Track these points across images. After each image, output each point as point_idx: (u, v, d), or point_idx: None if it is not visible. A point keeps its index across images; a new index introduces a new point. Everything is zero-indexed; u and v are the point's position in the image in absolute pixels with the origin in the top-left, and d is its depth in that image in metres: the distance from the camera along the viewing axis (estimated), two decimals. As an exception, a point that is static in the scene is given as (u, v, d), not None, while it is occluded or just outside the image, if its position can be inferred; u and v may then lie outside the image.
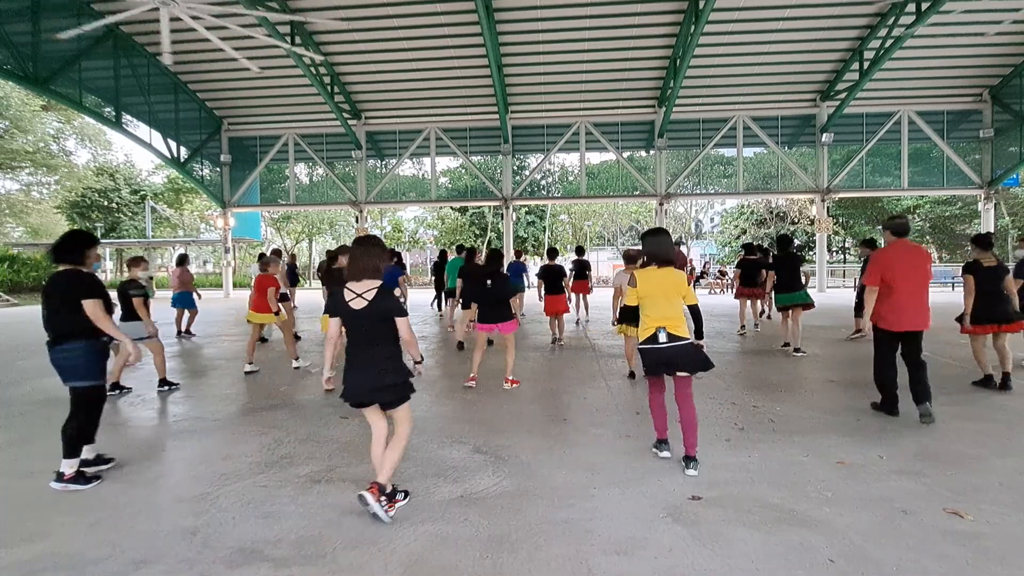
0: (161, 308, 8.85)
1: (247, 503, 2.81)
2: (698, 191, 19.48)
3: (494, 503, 2.78)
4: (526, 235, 36.55)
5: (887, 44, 13.88)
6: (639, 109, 17.98)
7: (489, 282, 5.38)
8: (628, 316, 4.71)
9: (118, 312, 4.64)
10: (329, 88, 16.25)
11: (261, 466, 3.32)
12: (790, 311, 7.17)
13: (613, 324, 5.86)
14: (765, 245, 9.37)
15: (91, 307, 3.13)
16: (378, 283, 2.76)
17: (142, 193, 36.68)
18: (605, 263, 39.92)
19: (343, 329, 2.86)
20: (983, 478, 3.01)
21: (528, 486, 2.98)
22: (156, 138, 17.02)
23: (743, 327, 8.85)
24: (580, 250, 10.38)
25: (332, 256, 5.90)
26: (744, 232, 33.68)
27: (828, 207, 18.38)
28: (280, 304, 6.60)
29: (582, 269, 10.15)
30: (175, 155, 17.82)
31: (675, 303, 3.26)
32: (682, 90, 15.74)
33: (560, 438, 3.79)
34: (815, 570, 2.17)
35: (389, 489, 2.69)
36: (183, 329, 9.57)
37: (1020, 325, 5.08)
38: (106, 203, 35.97)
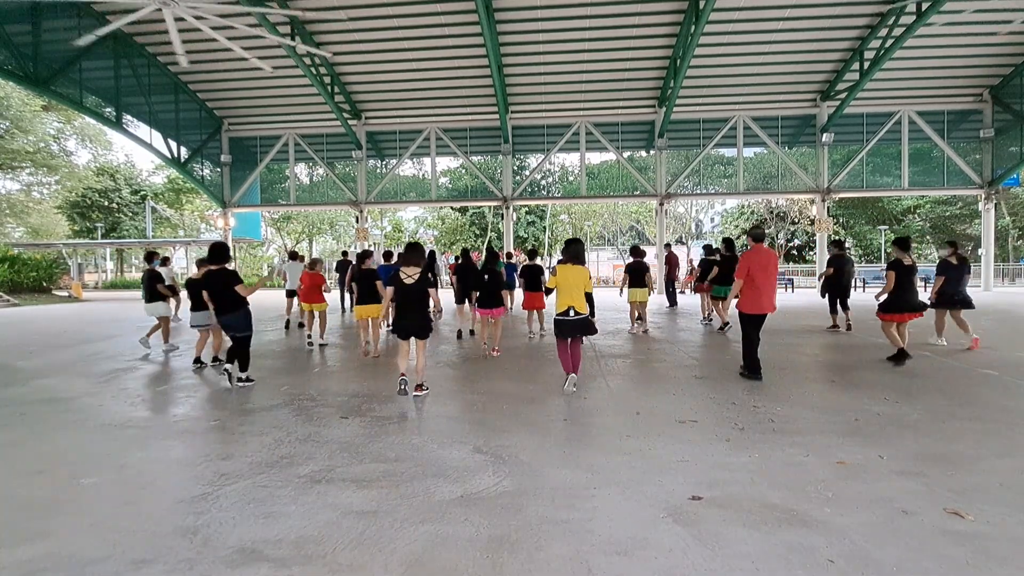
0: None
1: (247, 503, 2.81)
2: (698, 191, 19.48)
3: (494, 503, 2.78)
4: (526, 235, 36.54)
5: (887, 44, 13.89)
6: (639, 109, 17.98)
7: (486, 276, 7.01)
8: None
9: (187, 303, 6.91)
10: (329, 88, 16.26)
11: (261, 466, 3.32)
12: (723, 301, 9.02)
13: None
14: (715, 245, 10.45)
15: (241, 289, 5.42)
16: (419, 269, 4.82)
17: (142, 193, 36.73)
18: (605, 263, 39.88)
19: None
20: (983, 478, 3.01)
21: (528, 486, 2.98)
22: (156, 138, 17.04)
23: (725, 322, 9.00)
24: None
25: (360, 258, 7.50)
26: (744, 232, 33.73)
27: (828, 207, 18.38)
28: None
29: None
30: (175, 155, 17.84)
31: (580, 290, 4.85)
32: (682, 90, 15.74)
33: (560, 438, 3.79)
34: (815, 570, 2.16)
35: (423, 383, 5.01)
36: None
37: (922, 313, 6.10)
38: (106, 203, 36.03)
